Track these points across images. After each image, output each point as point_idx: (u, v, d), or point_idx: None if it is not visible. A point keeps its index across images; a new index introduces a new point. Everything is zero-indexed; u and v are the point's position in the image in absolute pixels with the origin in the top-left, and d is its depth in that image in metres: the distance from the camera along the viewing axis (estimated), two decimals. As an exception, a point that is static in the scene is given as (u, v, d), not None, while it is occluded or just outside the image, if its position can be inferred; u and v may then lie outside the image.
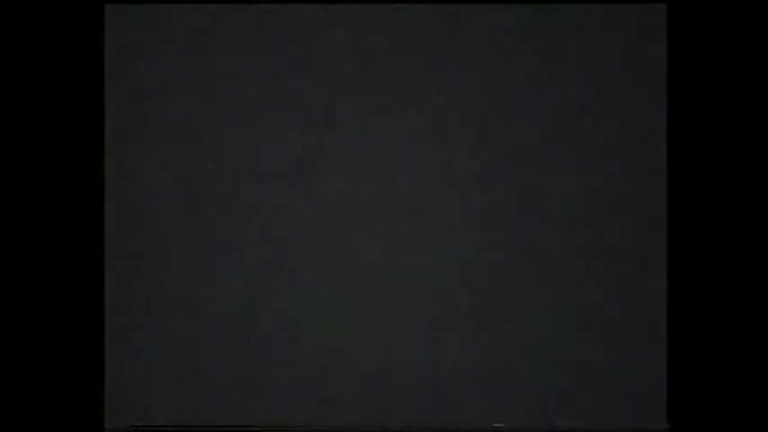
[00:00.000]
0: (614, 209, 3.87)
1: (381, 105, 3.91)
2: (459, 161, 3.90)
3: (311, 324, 3.90)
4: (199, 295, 3.89)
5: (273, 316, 3.89)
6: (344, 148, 3.91)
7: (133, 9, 3.89)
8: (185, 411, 3.90)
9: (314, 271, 3.92)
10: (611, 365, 3.87)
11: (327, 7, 3.90)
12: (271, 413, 3.90)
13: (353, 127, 3.92)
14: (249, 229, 3.91)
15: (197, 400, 3.89)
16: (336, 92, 3.92)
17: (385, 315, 3.89)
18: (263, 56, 3.91)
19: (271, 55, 3.92)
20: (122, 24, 3.89)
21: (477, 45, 3.89)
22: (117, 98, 3.89)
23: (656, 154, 3.86)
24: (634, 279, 3.87)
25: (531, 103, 3.89)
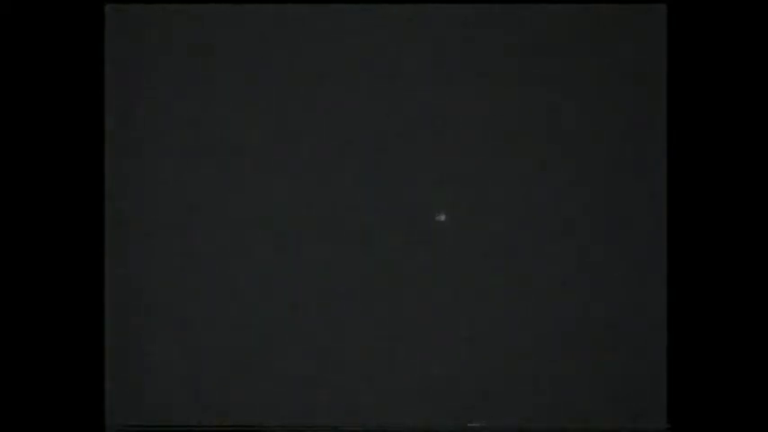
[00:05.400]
0: (614, 209, 3.87)
1: (381, 104, 3.91)
2: (459, 161, 3.90)
3: (311, 324, 3.90)
4: (199, 295, 3.89)
5: (274, 316, 3.90)
6: (343, 144, 3.92)
7: (133, 9, 3.89)
8: (185, 411, 3.90)
9: (314, 271, 3.92)
10: (612, 365, 3.87)
11: (328, 7, 3.90)
12: (271, 413, 3.90)
13: (354, 126, 3.92)
14: (250, 230, 3.91)
15: (197, 400, 3.89)
16: (338, 92, 3.92)
17: (385, 315, 3.89)
18: (263, 55, 3.91)
19: (271, 55, 3.92)
20: (122, 24, 3.89)
21: (476, 45, 3.90)
22: (117, 98, 3.89)
23: (656, 153, 3.86)
24: (634, 279, 3.87)
25: (531, 102, 3.89)
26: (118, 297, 3.88)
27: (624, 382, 3.87)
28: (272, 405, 3.91)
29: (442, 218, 3.70)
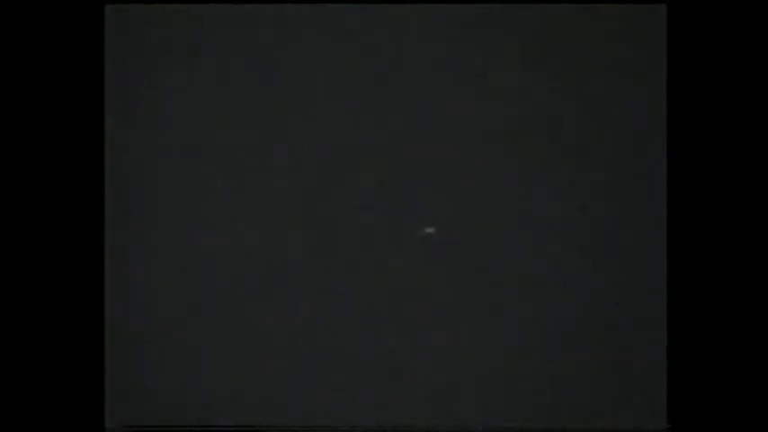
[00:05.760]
0: (614, 208, 3.87)
1: (381, 104, 3.91)
2: (459, 161, 3.90)
3: (312, 325, 3.90)
4: (199, 296, 3.89)
5: (274, 317, 3.90)
6: (342, 144, 3.92)
7: (133, 9, 3.90)
8: (185, 411, 3.90)
9: (315, 272, 3.92)
10: (612, 365, 3.87)
11: (328, 7, 3.91)
12: (271, 413, 3.90)
13: (354, 126, 3.92)
14: (250, 230, 3.91)
15: (197, 400, 3.89)
16: (338, 92, 3.92)
17: (385, 315, 3.90)
18: (263, 55, 3.92)
19: (271, 55, 3.92)
20: (122, 24, 3.90)
21: (477, 45, 3.90)
22: (117, 98, 3.90)
23: (656, 153, 3.86)
24: (634, 278, 3.87)
25: (532, 102, 3.89)
26: (118, 297, 3.88)
27: (624, 382, 3.87)
28: (272, 405, 3.91)
29: (431, 230, 3.70)
